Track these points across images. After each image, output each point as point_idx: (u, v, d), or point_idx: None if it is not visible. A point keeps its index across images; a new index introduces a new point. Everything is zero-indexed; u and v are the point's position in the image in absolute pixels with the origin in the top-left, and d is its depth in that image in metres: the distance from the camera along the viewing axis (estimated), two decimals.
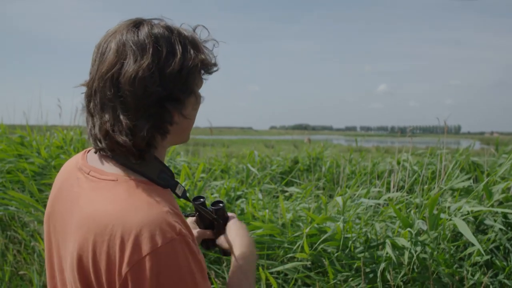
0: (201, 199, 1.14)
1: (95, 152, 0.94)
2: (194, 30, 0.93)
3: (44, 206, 3.41)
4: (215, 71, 0.95)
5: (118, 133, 0.84)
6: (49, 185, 3.92)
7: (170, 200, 0.89)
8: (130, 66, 0.83)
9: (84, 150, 1.01)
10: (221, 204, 1.14)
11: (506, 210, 2.18)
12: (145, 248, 0.76)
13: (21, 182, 4.21)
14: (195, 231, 1.17)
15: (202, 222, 1.15)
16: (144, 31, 0.86)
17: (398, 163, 4.17)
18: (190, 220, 1.20)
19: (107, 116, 0.85)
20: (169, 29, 0.89)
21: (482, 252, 1.97)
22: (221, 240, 1.13)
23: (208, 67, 0.93)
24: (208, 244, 1.18)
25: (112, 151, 0.88)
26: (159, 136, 0.89)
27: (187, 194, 0.99)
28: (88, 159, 0.96)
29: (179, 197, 0.95)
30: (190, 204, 2.99)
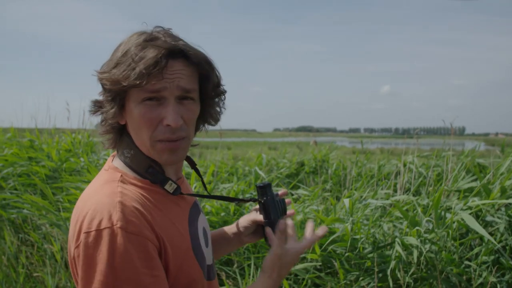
0: (262, 184, 1.14)
1: None
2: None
3: (57, 209, 3.47)
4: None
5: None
6: (61, 189, 3.98)
7: (149, 196, 0.95)
8: None
9: None
10: (260, 184, 1.13)
11: (505, 201, 2.25)
12: (83, 229, 0.84)
13: (32, 185, 4.28)
14: (250, 216, 1.22)
15: (259, 207, 1.17)
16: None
17: (404, 165, 4.21)
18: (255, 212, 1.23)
19: None
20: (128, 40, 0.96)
21: (494, 242, 2.01)
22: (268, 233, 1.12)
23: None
24: (261, 231, 1.19)
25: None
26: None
27: (180, 191, 1.02)
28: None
29: (170, 193, 0.99)
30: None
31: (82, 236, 0.83)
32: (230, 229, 1.27)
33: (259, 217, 1.18)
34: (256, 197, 1.15)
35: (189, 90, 0.93)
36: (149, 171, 0.97)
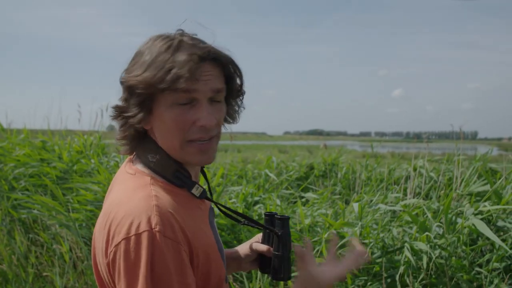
0: (272, 214, 1.14)
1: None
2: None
3: (67, 210, 3.50)
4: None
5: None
6: (71, 189, 4.01)
7: (178, 200, 0.95)
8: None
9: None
10: (277, 216, 1.11)
11: None
12: (122, 234, 0.84)
13: (43, 186, 4.32)
14: (251, 244, 1.20)
15: (264, 237, 1.16)
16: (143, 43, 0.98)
17: (415, 169, 4.17)
18: (259, 236, 1.21)
19: None
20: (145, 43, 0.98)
21: (506, 248, 1.97)
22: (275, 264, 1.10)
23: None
24: (264, 262, 1.16)
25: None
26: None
27: (205, 195, 1.02)
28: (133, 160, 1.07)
29: (196, 197, 1.00)
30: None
31: (121, 242, 0.84)
32: (230, 253, 1.24)
33: (261, 247, 1.16)
34: (268, 225, 1.12)
35: (220, 90, 0.95)
36: (176, 175, 0.98)
